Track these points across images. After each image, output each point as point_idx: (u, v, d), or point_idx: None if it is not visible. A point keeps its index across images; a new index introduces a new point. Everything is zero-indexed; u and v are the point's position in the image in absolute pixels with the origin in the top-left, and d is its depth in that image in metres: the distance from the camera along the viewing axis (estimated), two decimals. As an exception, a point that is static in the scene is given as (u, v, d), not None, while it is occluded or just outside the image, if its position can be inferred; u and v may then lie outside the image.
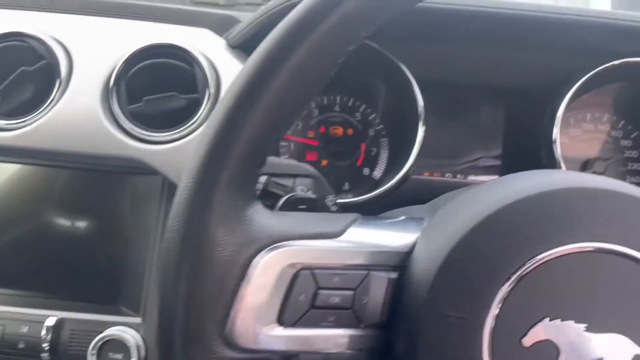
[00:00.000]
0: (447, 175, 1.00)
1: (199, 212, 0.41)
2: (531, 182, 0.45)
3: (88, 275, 0.85)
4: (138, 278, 0.82)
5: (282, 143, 1.00)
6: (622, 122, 0.98)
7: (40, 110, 0.78)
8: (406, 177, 0.85)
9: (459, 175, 1.00)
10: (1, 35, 0.80)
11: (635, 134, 0.98)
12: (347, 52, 0.44)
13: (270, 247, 0.43)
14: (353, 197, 0.91)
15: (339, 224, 0.47)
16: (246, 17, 1.06)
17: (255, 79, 0.41)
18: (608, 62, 0.83)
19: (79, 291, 0.85)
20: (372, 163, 1.00)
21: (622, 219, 0.42)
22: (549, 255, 0.42)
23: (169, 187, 0.82)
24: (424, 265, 0.43)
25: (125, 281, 0.84)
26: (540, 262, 0.41)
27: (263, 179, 0.58)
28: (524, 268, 0.41)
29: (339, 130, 1.00)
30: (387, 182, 0.88)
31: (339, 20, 0.41)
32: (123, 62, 0.80)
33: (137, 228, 0.84)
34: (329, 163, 1.00)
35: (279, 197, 0.59)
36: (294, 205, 0.54)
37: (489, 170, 1.00)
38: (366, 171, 1.00)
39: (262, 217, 0.44)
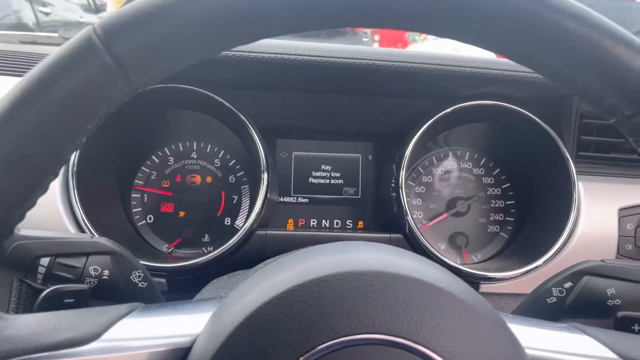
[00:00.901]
0: (312, 222, 0.96)
1: None
2: (312, 264, 0.40)
3: None
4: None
5: (135, 195, 0.93)
6: (484, 159, 0.99)
7: None
8: (251, 231, 0.80)
9: (324, 222, 0.96)
10: None
11: (497, 171, 0.98)
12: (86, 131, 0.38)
13: (-6, 367, 0.36)
14: (213, 249, 0.84)
15: (100, 321, 0.40)
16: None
17: None
18: (451, 107, 0.83)
19: None
20: (233, 212, 0.94)
21: (409, 310, 0.38)
22: (318, 353, 0.37)
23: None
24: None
25: None
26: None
27: (46, 261, 0.50)
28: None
29: (197, 179, 0.94)
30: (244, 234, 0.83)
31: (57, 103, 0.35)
32: None
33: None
34: (186, 214, 0.93)
35: (70, 281, 0.51)
36: (57, 300, 0.47)
37: (350, 217, 0.97)
38: (228, 221, 0.94)
39: (-14, 329, 0.36)
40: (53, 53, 0.36)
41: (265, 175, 0.80)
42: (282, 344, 0.36)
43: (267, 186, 0.80)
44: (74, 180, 0.74)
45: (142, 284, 0.56)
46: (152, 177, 0.94)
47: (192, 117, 0.89)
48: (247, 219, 0.84)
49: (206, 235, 0.94)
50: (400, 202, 0.81)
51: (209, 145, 0.95)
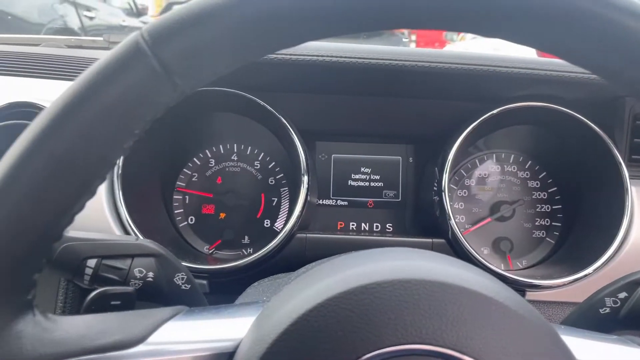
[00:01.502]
0: (352, 225, 0.95)
1: None
2: (357, 270, 0.39)
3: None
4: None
5: (176, 196, 0.94)
6: (529, 162, 0.95)
7: None
8: (291, 233, 0.79)
9: (363, 225, 0.95)
10: None
11: (543, 174, 0.95)
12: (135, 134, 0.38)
13: (46, 368, 0.36)
14: (253, 251, 0.84)
15: (145, 325, 0.40)
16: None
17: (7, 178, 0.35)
18: (496, 108, 0.81)
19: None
20: (273, 214, 0.94)
21: (458, 320, 0.36)
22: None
23: None
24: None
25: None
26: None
27: (93, 262, 0.51)
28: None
29: (237, 181, 0.95)
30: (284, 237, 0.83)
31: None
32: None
33: None
34: (227, 216, 0.94)
35: (116, 282, 0.52)
36: (104, 302, 0.48)
37: (390, 220, 0.96)
38: (267, 223, 0.94)
39: (37, 332, 0.37)
40: (101, 59, 0.37)
41: (305, 178, 0.80)
42: (326, 352, 0.35)
43: (308, 189, 0.80)
44: (119, 183, 0.75)
45: (185, 286, 0.56)
46: (194, 179, 0.95)
47: (233, 119, 0.90)
48: (286, 221, 0.84)
49: (246, 237, 0.94)
50: (443, 206, 0.80)
51: (249, 148, 0.95)
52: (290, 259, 0.79)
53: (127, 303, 0.48)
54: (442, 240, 0.82)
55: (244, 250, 0.93)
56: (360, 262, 0.42)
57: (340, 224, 0.95)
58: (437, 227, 0.83)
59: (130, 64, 0.36)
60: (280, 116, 0.81)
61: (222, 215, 0.94)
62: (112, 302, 0.47)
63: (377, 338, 0.35)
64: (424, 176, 0.92)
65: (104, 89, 0.36)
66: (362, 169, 0.96)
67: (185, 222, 0.93)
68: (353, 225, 0.95)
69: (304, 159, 0.80)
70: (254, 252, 0.80)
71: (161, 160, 0.90)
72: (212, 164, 0.95)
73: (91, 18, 5.20)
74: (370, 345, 0.35)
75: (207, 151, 0.95)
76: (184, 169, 0.95)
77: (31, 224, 0.36)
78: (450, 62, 0.77)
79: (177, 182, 0.94)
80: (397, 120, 0.90)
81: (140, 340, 0.40)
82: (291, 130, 0.81)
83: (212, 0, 0.36)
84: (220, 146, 0.95)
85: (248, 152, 0.95)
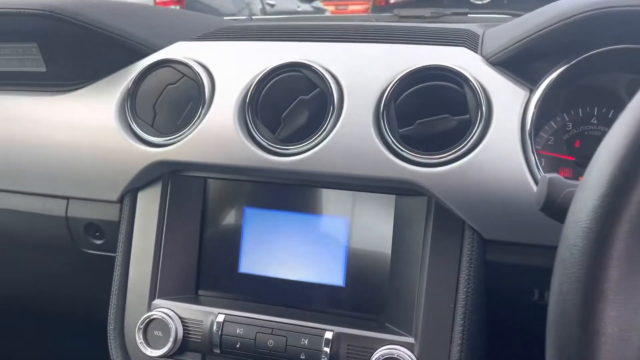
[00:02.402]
0: None
1: (597, 265, 0.40)
2: None
3: (351, 291, 0.88)
4: (404, 298, 0.83)
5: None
6: None
7: (317, 136, 0.83)
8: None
9: None
10: (281, 65, 0.86)
11: None
12: None
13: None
14: None
15: None
16: (475, 29, 1.03)
17: None
18: None
19: (343, 306, 0.89)
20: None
21: None
22: None
23: (436, 209, 0.82)
24: None
25: (389, 299, 0.85)
26: None
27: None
28: None
29: (597, 145, 0.93)
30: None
31: None
32: (392, 86, 0.82)
33: (401, 247, 0.85)
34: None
35: None
36: None
37: None
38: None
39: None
40: None
41: None
42: None
43: None
44: None
45: None
46: (550, 142, 0.95)
47: (621, 80, 0.88)
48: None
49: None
50: None
51: (612, 111, 0.92)
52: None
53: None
54: None
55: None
56: None
57: None
58: None
59: None
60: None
61: (581, 178, 0.93)
62: None
63: None
64: None
65: None
66: None
67: (545, 184, 0.94)
68: None
69: None
70: None
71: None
72: (569, 127, 0.95)
73: (272, 5, 5.61)
74: None
75: (564, 115, 0.95)
76: (540, 132, 0.95)
77: None
78: None
79: (534, 145, 0.95)
80: None
81: None
82: None
83: None
84: (580, 109, 0.94)
85: (610, 116, 0.92)
